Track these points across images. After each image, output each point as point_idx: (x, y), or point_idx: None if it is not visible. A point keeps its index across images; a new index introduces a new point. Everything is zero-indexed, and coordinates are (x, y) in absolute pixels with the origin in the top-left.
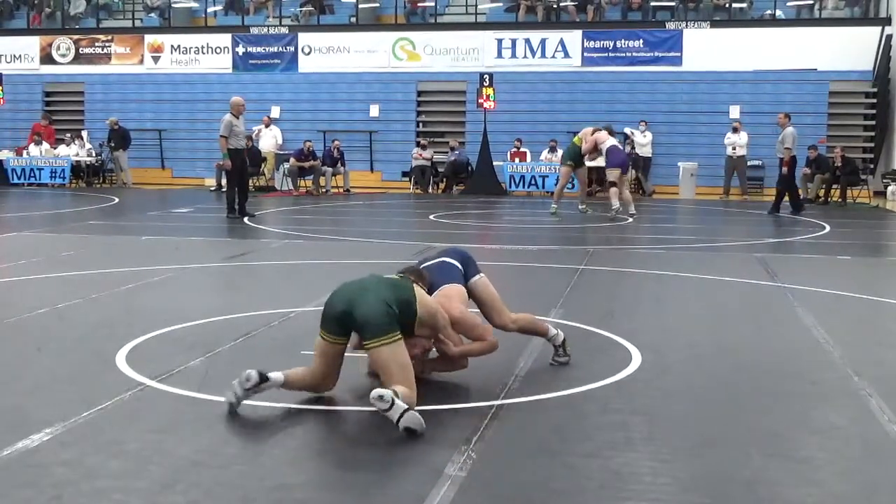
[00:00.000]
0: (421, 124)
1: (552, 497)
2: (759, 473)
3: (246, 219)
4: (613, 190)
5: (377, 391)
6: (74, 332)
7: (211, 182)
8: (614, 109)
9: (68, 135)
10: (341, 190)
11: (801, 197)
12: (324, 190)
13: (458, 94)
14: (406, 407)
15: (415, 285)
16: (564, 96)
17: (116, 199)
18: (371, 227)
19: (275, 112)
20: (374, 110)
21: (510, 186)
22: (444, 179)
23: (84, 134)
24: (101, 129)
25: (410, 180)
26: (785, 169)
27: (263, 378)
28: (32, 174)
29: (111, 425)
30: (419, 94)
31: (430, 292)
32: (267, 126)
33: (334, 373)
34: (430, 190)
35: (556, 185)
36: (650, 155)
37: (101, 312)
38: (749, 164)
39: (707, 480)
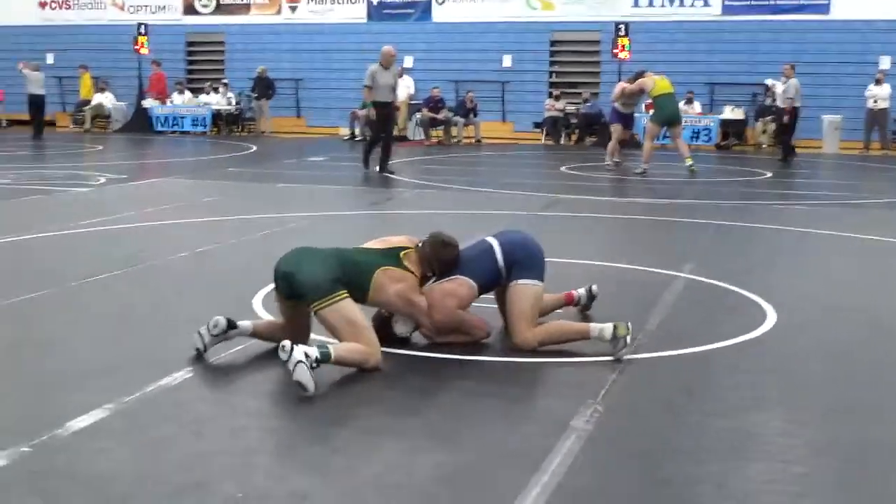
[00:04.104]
0: (554, 75)
1: (679, 455)
2: None
3: (385, 173)
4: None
5: (282, 342)
6: (213, 276)
7: (345, 131)
8: (756, 60)
9: (208, 84)
10: (472, 140)
11: None
12: (455, 140)
13: (593, 45)
14: (299, 360)
15: (382, 271)
16: (703, 46)
17: (254, 147)
18: (502, 177)
19: (408, 62)
20: (507, 60)
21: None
22: (577, 131)
23: (225, 83)
24: (240, 80)
25: (542, 131)
26: (787, 118)
27: (231, 325)
28: (175, 122)
29: (249, 366)
30: (552, 44)
31: (441, 276)
32: (400, 76)
33: (300, 330)
34: (562, 141)
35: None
36: (798, 105)
37: (239, 257)
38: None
39: (842, 444)
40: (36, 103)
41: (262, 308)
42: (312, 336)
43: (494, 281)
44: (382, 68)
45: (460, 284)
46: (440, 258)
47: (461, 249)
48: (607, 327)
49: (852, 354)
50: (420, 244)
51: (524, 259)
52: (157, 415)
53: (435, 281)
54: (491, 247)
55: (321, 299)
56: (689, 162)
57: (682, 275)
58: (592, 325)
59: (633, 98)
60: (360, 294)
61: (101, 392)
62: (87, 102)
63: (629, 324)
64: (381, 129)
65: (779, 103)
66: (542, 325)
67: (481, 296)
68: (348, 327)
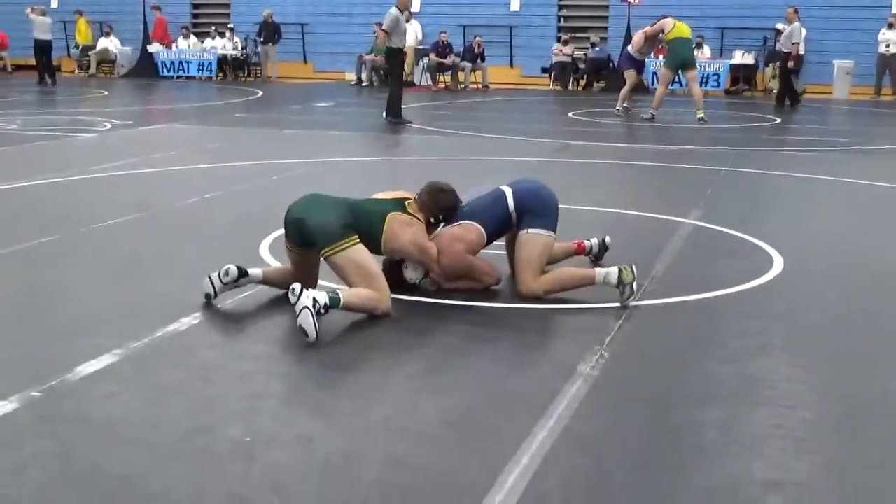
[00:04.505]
0: (562, 19)
1: (685, 400)
2: None
3: (389, 119)
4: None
5: (293, 285)
6: (220, 222)
7: (351, 76)
8: (766, 4)
9: (213, 28)
10: (480, 86)
11: None
12: (462, 86)
13: None
14: (305, 305)
15: (393, 217)
16: None
17: (260, 93)
18: (510, 123)
19: (415, 6)
20: (515, 4)
21: (653, 84)
22: (585, 76)
23: (231, 27)
24: (246, 24)
25: (550, 77)
26: (792, 63)
27: (243, 273)
28: (181, 67)
29: (257, 312)
30: None
31: (448, 223)
32: (407, 21)
33: (308, 277)
34: (570, 87)
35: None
36: (802, 52)
37: (246, 203)
38: None
39: (845, 391)
40: (42, 48)
41: (269, 254)
42: (321, 283)
43: (504, 227)
44: (400, 13)
45: (468, 230)
46: (439, 204)
47: (475, 197)
48: (612, 272)
49: (857, 304)
50: (418, 194)
51: (537, 208)
52: (166, 360)
53: (443, 227)
54: (504, 193)
55: (332, 245)
56: (700, 114)
57: (689, 221)
58: (598, 269)
59: (651, 44)
60: (373, 244)
61: (110, 337)
62: (91, 48)
63: (634, 268)
64: (400, 76)
65: (783, 48)
66: (546, 274)
67: (493, 242)
68: (359, 272)
